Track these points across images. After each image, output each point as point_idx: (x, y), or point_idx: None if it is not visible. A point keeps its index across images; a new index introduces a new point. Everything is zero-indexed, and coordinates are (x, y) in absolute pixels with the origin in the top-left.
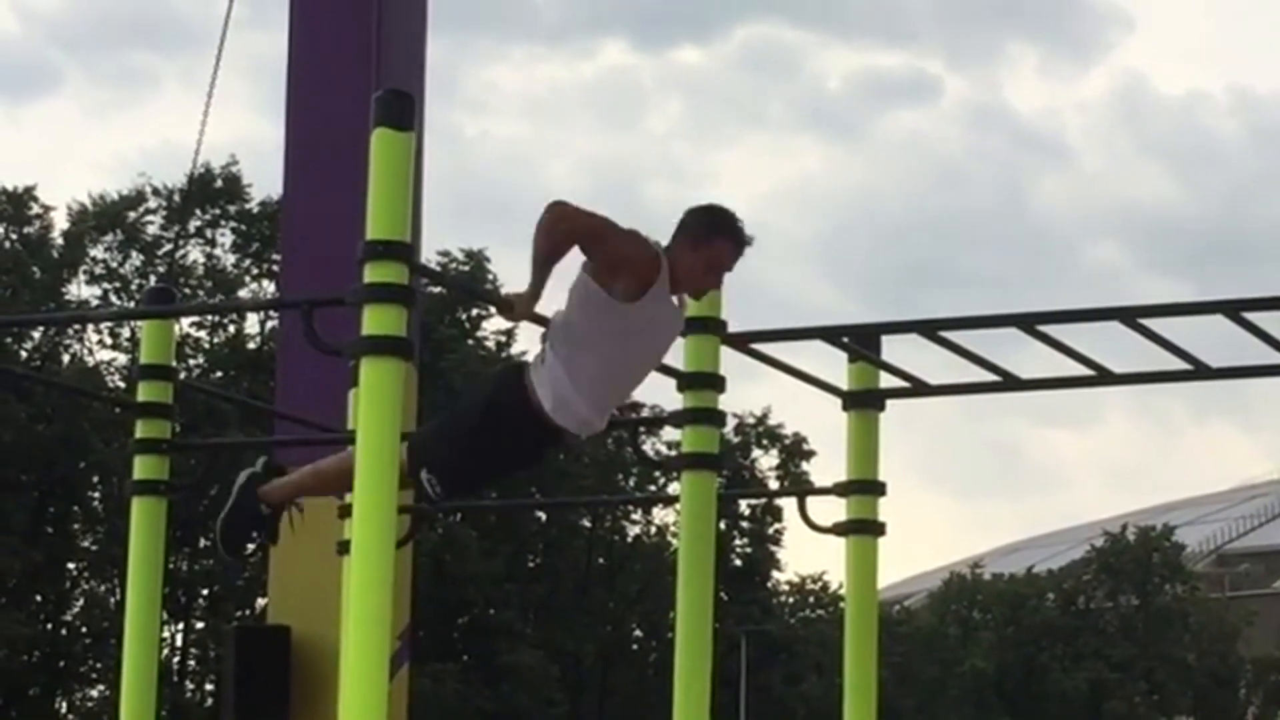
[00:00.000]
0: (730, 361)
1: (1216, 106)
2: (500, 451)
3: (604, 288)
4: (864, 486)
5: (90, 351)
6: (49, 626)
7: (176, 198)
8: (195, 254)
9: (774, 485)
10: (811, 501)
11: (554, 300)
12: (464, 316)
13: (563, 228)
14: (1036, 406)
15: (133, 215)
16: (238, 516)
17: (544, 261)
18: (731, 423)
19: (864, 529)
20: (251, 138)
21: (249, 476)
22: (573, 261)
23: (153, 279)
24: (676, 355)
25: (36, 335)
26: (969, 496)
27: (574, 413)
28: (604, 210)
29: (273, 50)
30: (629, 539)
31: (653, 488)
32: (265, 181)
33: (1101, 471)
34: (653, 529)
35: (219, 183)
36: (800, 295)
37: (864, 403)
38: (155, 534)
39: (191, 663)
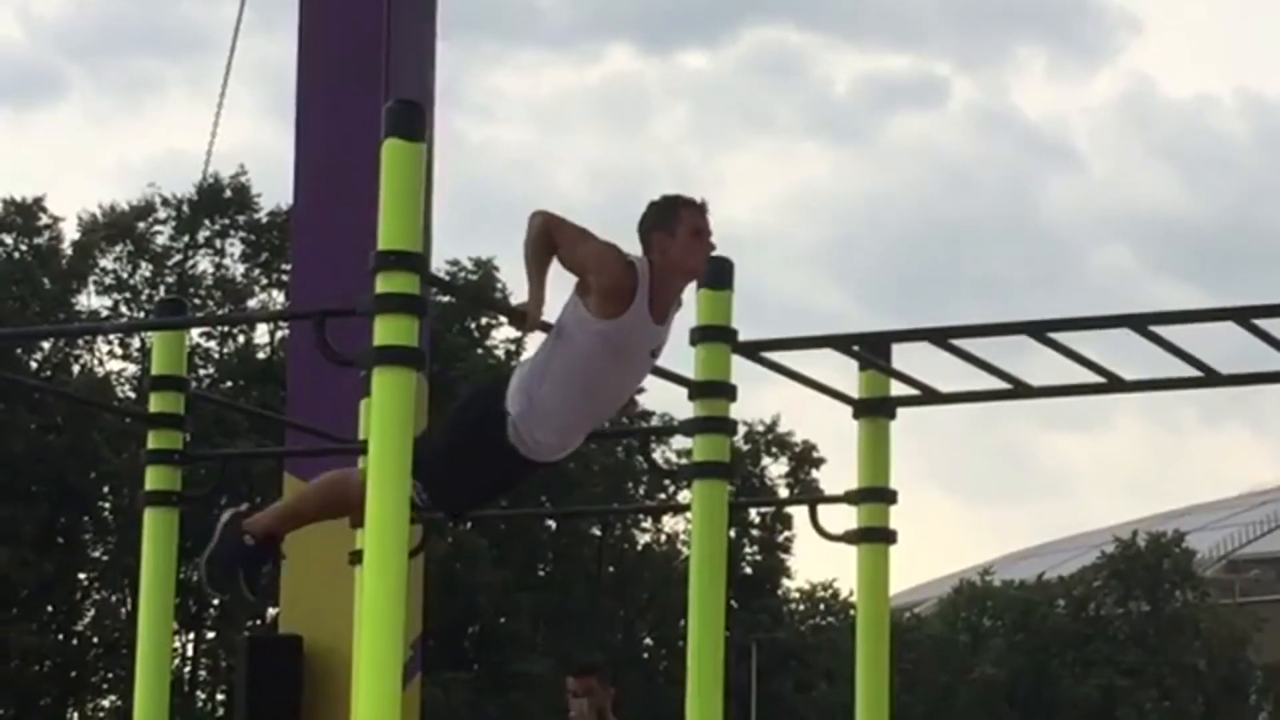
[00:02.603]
0: (740, 369)
1: (1225, 109)
2: (473, 478)
3: (585, 304)
4: (875, 494)
5: (100, 362)
6: (60, 637)
7: (186, 208)
8: (204, 264)
9: (784, 493)
10: (822, 509)
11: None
12: (473, 325)
13: (537, 230)
14: (1046, 411)
15: (142, 226)
16: (221, 552)
17: (534, 269)
18: (741, 430)
19: (875, 537)
20: (259, 144)
21: (232, 515)
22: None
23: (162, 289)
24: (687, 363)
25: (46, 346)
26: (979, 502)
27: (547, 445)
28: (613, 215)
29: (279, 55)
30: (639, 548)
31: (663, 496)
32: (274, 189)
33: (1112, 477)
34: (663, 537)
35: (228, 192)
36: (808, 301)
37: (875, 411)
38: (167, 545)
39: (203, 673)
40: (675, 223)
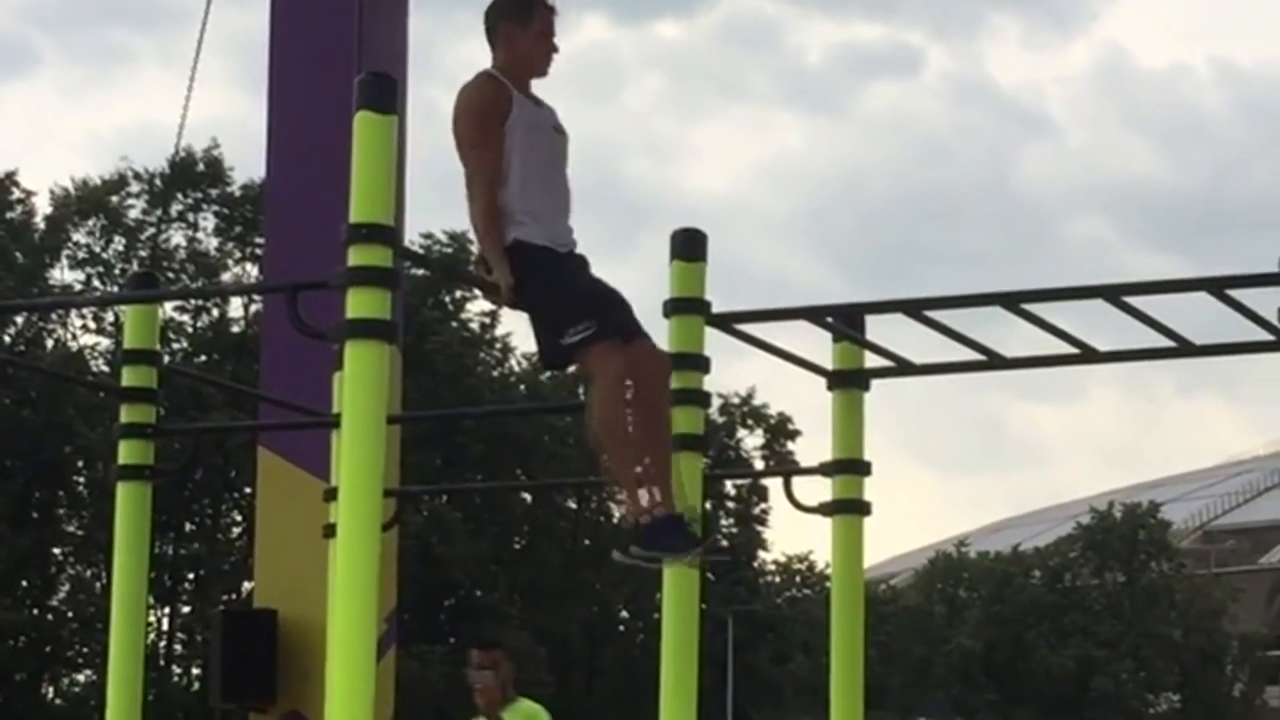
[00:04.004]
0: (714, 341)
1: (1200, 79)
2: (579, 284)
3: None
4: (849, 466)
5: (74, 336)
6: (35, 612)
7: (158, 182)
8: (178, 238)
9: (759, 465)
10: (797, 481)
11: None
12: (447, 299)
13: (480, 210)
14: (1022, 382)
15: (114, 200)
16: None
17: (491, 243)
18: (716, 403)
19: (849, 509)
20: (231, 117)
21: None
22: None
23: (135, 263)
24: (661, 335)
25: (20, 321)
26: (955, 473)
27: (558, 232)
28: (586, 184)
29: (251, 27)
30: (615, 520)
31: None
32: (247, 162)
33: (1088, 447)
34: None
35: (201, 166)
36: (783, 272)
37: (849, 382)
38: (140, 519)
39: (178, 647)
40: (530, 19)
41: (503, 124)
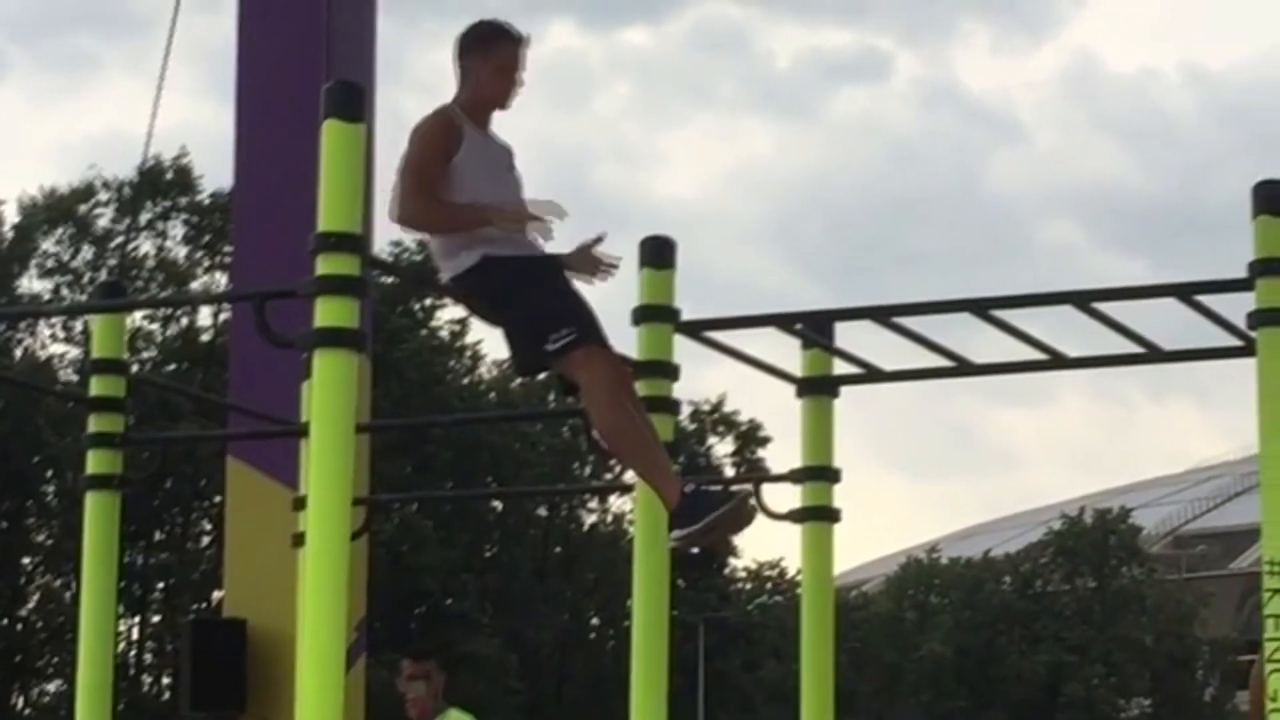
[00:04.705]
0: (684, 348)
1: (1169, 83)
2: (558, 288)
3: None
4: (818, 473)
5: (43, 345)
6: (5, 622)
7: (127, 190)
8: (146, 246)
9: (730, 472)
10: (767, 487)
11: None
12: (417, 306)
13: (443, 216)
14: (994, 386)
15: (83, 208)
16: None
17: (472, 216)
18: (686, 410)
19: (819, 515)
20: (200, 124)
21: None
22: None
23: (104, 272)
24: (630, 343)
25: None
26: (926, 479)
27: (513, 243)
28: (556, 193)
29: (220, 34)
30: (585, 528)
31: (609, 476)
32: (216, 170)
33: (1058, 452)
34: (609, 517)
35: (170, 174)
36: (753, 278)
37: (817, 389)
38: (109, 529)
39: (148, 656)
40: (492, 52)
41: (448, 160)
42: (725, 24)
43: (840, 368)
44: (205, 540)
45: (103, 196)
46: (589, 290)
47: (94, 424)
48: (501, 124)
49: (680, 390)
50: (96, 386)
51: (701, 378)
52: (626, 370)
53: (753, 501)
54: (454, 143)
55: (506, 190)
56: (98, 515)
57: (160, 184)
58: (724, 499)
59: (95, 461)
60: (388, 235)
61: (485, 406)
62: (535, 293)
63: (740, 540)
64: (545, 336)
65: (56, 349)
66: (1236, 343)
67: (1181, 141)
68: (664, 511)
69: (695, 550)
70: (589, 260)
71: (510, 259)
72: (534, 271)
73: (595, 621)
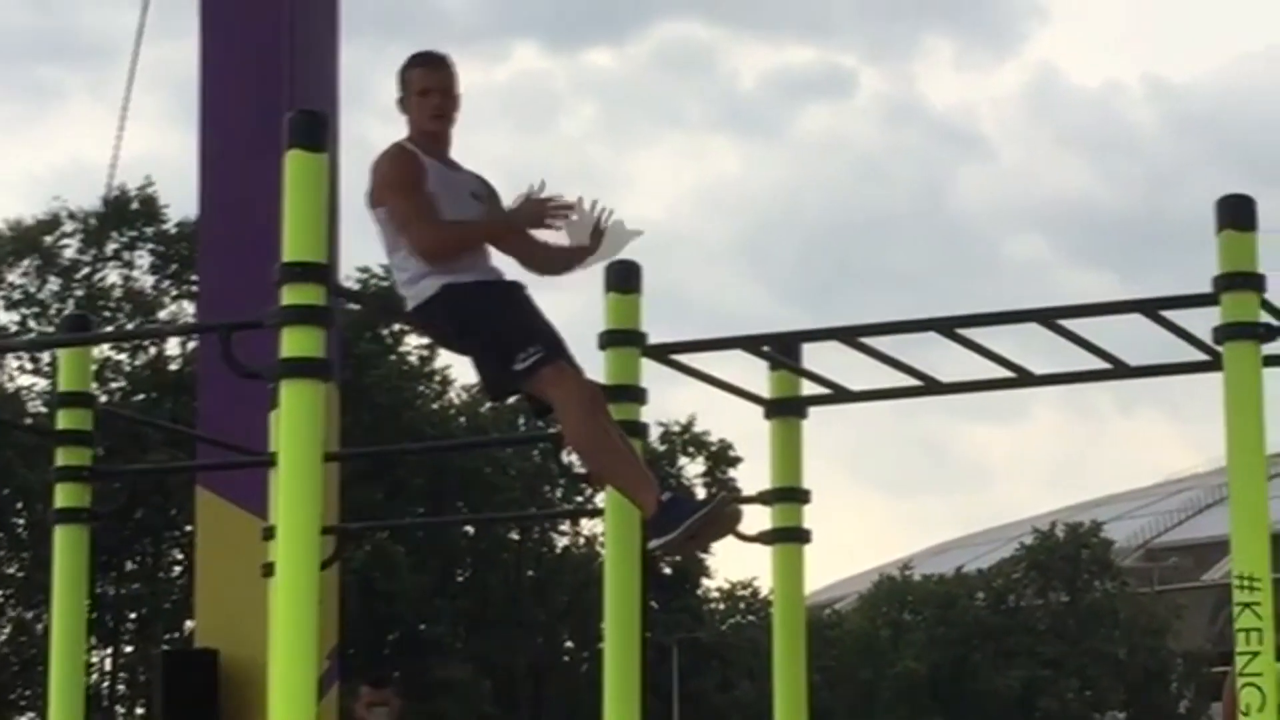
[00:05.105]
0: (655, 368)
1: (1132, 97)
2: (522, 311)
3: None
4: (788, 494)
5: (10, 378)
6: None
7: (93, 221)
8: (113, 276)
9: (700, 493)
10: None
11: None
12: (386, 332)
13: (453, 238)
14: (963, 403)
15: (49, 239)
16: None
17: (482, 232)
18: (656, 431)
19: (789, 537)
20: (166, 153)
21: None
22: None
23: (71, 303)
24: (597, 368)
25: None
26: (898, 496)
27: (476, 270)
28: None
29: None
30: (558, 551)
31: (580, 499)
32: (182, 199)
33: (1030, 467)
34: (581, 540)
35: (135, 204)
36: (721, 298)
37: (786, 411)
38: (78, 562)
39: (122, 687)
40: (410, 84)
41: (423, 183)
42: (689, 44)
43: (809, 388)
44: (177, 570)
45: (68, 227)
46: (553, 316)
47: (62, 458)
48: (466, 145)
49: (650, 411)
50: (63, 420)
51: (672, 398)
52: (597, 387)
53: (731, 508)
54: (419, 168)
55: (467, 216)
56: (67, 548)
57: (126, 214)
58: (701, 503)
59: (64, 495)
60: (355, 260)
61: (456, 431)
62: (499, 315)
63: (713, 561)
64: (513, 357)
65: (25, 380)
66: (1204, 357)
67: (1145, 154)
68: (635, 534)
69: (668, 570)
70: (535, 208)
71: (472, 285)
72: (497, 295)
73: (569, 645)
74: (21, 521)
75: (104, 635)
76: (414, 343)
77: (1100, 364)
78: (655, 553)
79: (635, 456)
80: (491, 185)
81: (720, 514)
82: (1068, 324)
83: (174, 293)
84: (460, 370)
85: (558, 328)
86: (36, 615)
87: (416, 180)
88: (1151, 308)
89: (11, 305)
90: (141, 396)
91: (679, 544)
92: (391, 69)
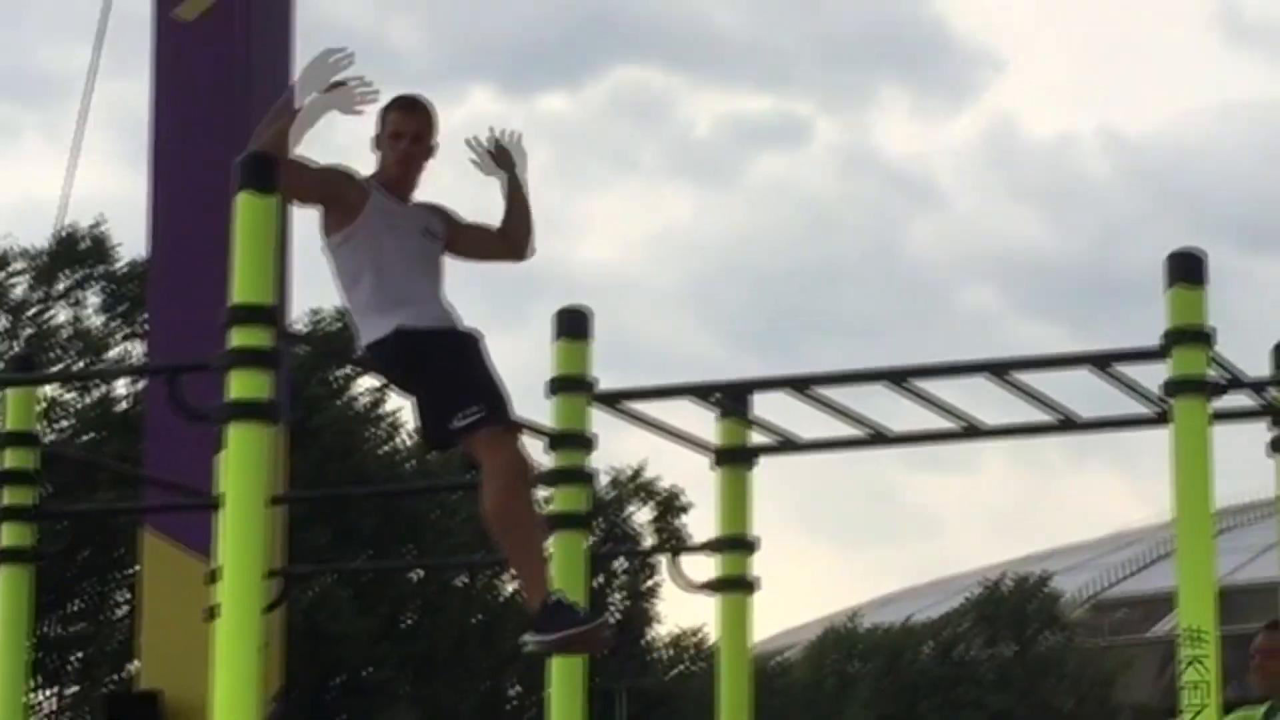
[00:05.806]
0: (605, 414)
1: (1086, 148)
2: (469, 364)
3: (327, 229)
4: (735, 544)
5: None
6: None
7: (43, 259)
8: (62, 315)
9: (650, 540)
10: (686, 556)
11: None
12: (333, 376)
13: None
14: (913, 453)
15: None
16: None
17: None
18: (605, 477)
19: (735, 586)
20: (118, 192)
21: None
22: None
23: (19, 342)
24: (545, 414)
25: None
26: (847, 546)
27: (430, 314)
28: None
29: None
30: (504, 596)
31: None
32: (134, 238)
33: (979, 518)
34: None
35: (86, 243)
36: (673, 345)
37: (734, 459)
38: (21, 602)
39: None
40: (385, 125)
41: (335, 199)
42: (644, 90)
43: (758, 437)
44: (122, 610)
45: (18, 265)
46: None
47: (6, 497)
48: (424, 193)
49: (599, 457)
50: (8, 459)
51: (621, 443)
52: (529, 462)
53: (608, 632)
54: (349, 184)
55: (419, 253)
56: (10, 588)
57: (76, 252)
58: (585, 619)
59: (8, 534)
60: (306, 302)
61: (403, 475)
62: (446, 367)
63: (661, 607)
64: (452, 413)
65: None
66: (1153, 411)
67: (1099, 206)
68: (581, 583)
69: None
70: (344, 93)
71: (424, 331)
72: (447, 345)
73: (516, 690)
74: None
75: (48, 675)
76: (363, 385)
77: (1051, 417)
78: (528, 648)
79: (540, 548)
80: (454, 215)
81: (594, 637)
82: (1019, 376)
83: (124, 332)
84: (408, 415)
85: (504, 384)
86: None
87: (321, 166)
88: (1102, 362)
89: None
90: (89, 435)
91: (550, 648)
92: None
